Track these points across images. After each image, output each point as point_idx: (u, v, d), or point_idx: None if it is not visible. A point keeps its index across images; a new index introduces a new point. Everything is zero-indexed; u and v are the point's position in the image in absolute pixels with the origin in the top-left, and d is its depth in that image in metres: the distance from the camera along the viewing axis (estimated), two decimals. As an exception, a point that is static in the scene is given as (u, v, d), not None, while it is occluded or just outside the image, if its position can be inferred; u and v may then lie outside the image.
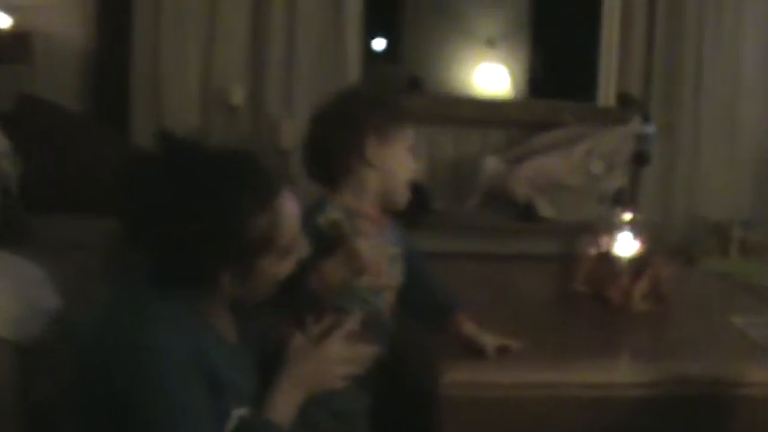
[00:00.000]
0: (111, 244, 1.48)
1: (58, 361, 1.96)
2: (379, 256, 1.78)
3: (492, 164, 3.94)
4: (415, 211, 1.97)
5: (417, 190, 1.93)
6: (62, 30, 3.62)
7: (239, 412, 1.47)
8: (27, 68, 3.46)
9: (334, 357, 1.57)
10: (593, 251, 2.48)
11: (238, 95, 3.70)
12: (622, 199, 3.85)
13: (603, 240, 2.48)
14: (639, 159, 4.09)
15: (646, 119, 4.07)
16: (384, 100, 1.92)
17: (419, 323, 2.00)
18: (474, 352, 1.89)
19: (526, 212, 3.96)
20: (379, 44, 5.33)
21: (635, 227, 2.50)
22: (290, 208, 1.48)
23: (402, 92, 4.15)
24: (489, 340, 1.90)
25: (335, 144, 1.85)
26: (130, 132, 3.60)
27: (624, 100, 4.16)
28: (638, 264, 2.43)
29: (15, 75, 3.43)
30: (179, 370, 1.35)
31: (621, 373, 1.95)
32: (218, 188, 1.39)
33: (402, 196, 1.90)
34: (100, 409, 1.36)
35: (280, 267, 1.49)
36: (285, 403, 1.52)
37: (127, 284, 1.50)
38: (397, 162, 1.88)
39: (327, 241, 1.73)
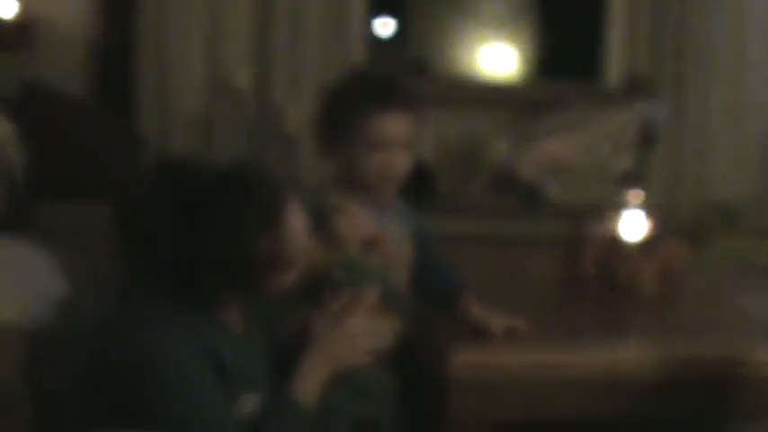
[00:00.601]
0: (113, 235, 1.48)
1: (64, 348, 1.96)
2: (363, 232, 1.78)
3: (498, 146, 3.93)
4: (421, 194, 1.95)
5: (422, 172, 1.91)
6: (66, 16, 3.62)
7: (248, 397, 1.47)
8: (31, 55, 3.46)
9: (356, 331, 1.56)
10: (600, 233, 2.47)
11: (243, 80, 3.69)
12: (630, 180, 3.84)
13: (611, 222, 2.47)
14: (647, 140, 4.09)
15: (653, 100, 4.06)
16: (345, 95, 1.84)
17: (427, 305, 2.00)
18: (482, 334, 1.89)
19: (533, 195, 3.95)
20: (384, 26, 5.29)
21: (643, 208, 2.48)
22: (295, 221, 1.47)
23: (407, 74, 4.12)
24: (497, 322, 1.90)
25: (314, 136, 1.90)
26: (135, 118, 3.61)
27: (632, 81, 4.14)
28: (647, 245, 2.42)
29: (20, 61, 3.43)
30: (178, 355, 1.36)
31: (630, 355, 1.95)
32: (219, 218, 1.38)
33: (382, 187, 1.85)
34: (102, 396, 1.38)
35: (285, 278, 1.49)
36: (309, 381, 1.51)
37: (128, 279, 1.50)
38: (358, 158, 1.80)
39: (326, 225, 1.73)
